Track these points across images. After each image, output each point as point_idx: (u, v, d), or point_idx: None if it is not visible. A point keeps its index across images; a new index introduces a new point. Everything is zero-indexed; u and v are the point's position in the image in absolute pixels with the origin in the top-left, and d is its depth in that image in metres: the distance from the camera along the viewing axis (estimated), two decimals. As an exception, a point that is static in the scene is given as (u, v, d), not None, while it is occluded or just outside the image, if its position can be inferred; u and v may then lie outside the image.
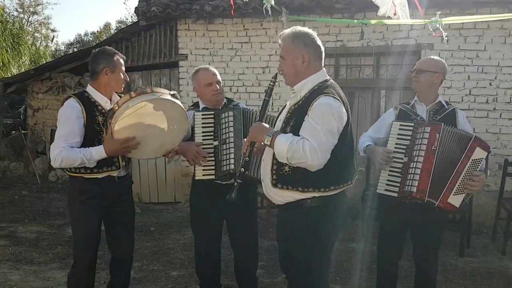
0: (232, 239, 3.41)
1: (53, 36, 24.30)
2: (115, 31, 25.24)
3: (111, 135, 2.72)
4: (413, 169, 2.89)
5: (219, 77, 3.27)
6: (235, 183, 2.59)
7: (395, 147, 2.98)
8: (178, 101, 2.81)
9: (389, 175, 2.96)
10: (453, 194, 2.84)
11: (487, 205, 5.51)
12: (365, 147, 3.13)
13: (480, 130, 5.57)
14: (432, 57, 3.21)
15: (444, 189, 2.84)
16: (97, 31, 27.33)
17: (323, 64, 2.49)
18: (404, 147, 2.96)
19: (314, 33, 2.46)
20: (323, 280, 2.53)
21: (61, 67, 7.99)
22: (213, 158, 3.09)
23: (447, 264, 4.51)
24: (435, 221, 3.02)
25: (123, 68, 2.96)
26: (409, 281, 4.03)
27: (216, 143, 3.10)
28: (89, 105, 2.87)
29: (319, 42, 2.45)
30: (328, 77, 2.48)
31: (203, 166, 3.10)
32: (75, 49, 24.33)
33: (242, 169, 2.55)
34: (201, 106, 3.30)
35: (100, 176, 2.89)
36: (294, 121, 2.36)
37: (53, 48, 22.93)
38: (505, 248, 4.74)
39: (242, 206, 3.18)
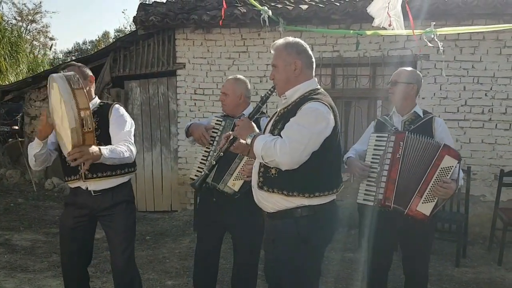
0: (234, 249, 3.41)
1: (52, 45, 24.31)
2: (114, 40, 25.34)
3: None
4: (383, 177, 2.97)
5: (228, 89, 3.29)
6: (203, 173, 2.63)
7: (372, 158, 3.06)
8: (61, 83, 2.49)
9: (367, 185, 3.03)
10: (422, 202, 2.87)
11: (483, 215, 5.52)
12: (346, 159, 3.20)
13: (475, 141, 5.60)
14: (406, 68, 3.21)
15: (413, 197, 2.89)
16: (96, 39, 27.36)
17: (313, 74, 2.54)
18: (378, 157, 3.03)
19: (306, 44, 2.52)
20: None
21: (59, 75, 7.99)
22: (204, 162, 3.25)
23: (443, 274, 4.50)
24: (422, 231, 3.01)
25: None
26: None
27: (212, 148, 3.25)
28: None
29: (310, 52, 2.51)
30: (319, 86, 2.52)
31: (198, 167, 3.27)
32: (74, 58, 24.36)
33: (214, 161, 2.58)
34: None
35: (72, 186, 2.99)
36: (282, 125, 2.38)
37: (51, 56, 22.93)
38: (501, 259, 4.75)
39: (245, 219, 3.20)
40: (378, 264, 3.19)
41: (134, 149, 2.90)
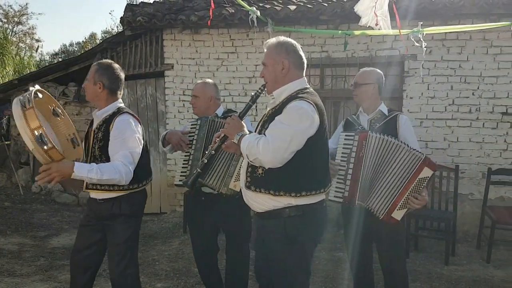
0: (226, 248, 3.45)
1: (38, 46, 24.03)
2: (101, 41, 25.11)
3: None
4: (348, 175, 3.04)
5: (198, 92, 3.40)
6: (195, 171, 2.64)
7: (341, 156, 3.12)
8: (15, 108, 2.45)
9: (337, 182, 3.08)
10: (397, 209, 2.97)
11: (471, 213, 5.56)
12: None
13: (463, 139, 5.64)
14: (366, 69, 3.33)
15: (390, 204, 2.97)
16: (83, 41, 27.09)
17: (304, 74, 2.54)
18: (346, 155, 3.10)
19: (298, 44, 2.53)
20: None
21: (45, 77, 7.91)
22: (186, 165, 3.25)
23: (433, 272, 4.53)
24: (394, 230, 3.10)
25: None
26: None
27: (191, 151, 3.28)
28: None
29: (301, 53, 2.52)
30: (308, 86, 2.53)
31: (181, 172, 3.28)
32: (60, 59, 24.08)
33: (206, 160, 2.60)
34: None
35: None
36: (269, 124, 2.40)
37: (37, 58, 22.62)
38: (490, 256, 4.78)
39: (233, 216, 3.24)
40: (359, 259, 3.26)
41: (128, 170, 2.69)
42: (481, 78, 5.55)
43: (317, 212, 2.46)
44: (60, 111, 2.84)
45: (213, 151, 2.58)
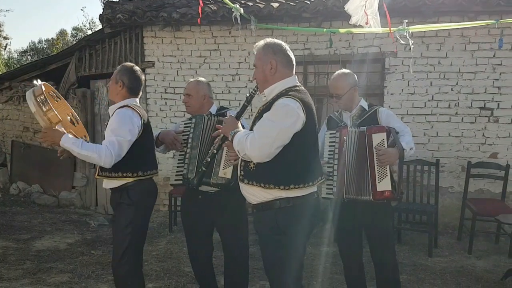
0: (223, 247, 3.45)
1: (6, 44, 23.37)
2: (72, 38, 24.63)
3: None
4: (335, 171, 3.16)
5: (191, 91, 3.40)
6: (200, 170, 2.76)
7: (328, 154, 3.23)
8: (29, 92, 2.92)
9: (327, 179, 3.17)
10: (379, 182, 3.05)
11: (452, 206, 5.73)
12: None
13: (443, 134, 5.79)
14: (338, 77, 3.34)
15: (370, 184, 3.07)
16: (52, 38, 26.49)
17: (293, 73, 2.63)
18: (332, 152, 3.22)
19: (285, 45, 2.63)
20: (295, 282, 2.57)
21: (22, 76, 7.72)
22: (182, 164, 3.25)
23: (417, 264, 4.64)
24: (383, 221, 3.22)
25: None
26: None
27: (188, 149, 3.27)
28: None
29: (289, 52, 2.62)
30: (298, 84, 2.62)
31: (176, 171, 3.28)
32: (29, 57, 23.57)
33: (209, 159, 2.72)
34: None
35: None
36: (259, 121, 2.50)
37: (6, 56, 22.04)
38: (471, 247, 4.93)
39: (229, 214, 3.26)
40: (350, 252, 3.34)
41: (109, 154, 2.85)
42: (460, 74, 5.71)
43: (307, 203, 2.54)
44: (56, 95, 3.14)
45: (215, 150, 2.69)
